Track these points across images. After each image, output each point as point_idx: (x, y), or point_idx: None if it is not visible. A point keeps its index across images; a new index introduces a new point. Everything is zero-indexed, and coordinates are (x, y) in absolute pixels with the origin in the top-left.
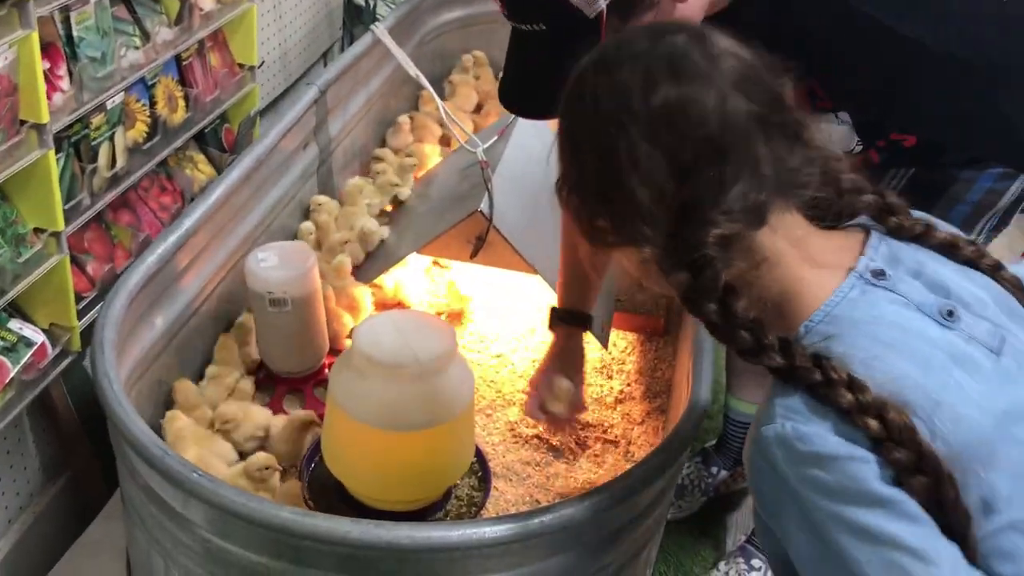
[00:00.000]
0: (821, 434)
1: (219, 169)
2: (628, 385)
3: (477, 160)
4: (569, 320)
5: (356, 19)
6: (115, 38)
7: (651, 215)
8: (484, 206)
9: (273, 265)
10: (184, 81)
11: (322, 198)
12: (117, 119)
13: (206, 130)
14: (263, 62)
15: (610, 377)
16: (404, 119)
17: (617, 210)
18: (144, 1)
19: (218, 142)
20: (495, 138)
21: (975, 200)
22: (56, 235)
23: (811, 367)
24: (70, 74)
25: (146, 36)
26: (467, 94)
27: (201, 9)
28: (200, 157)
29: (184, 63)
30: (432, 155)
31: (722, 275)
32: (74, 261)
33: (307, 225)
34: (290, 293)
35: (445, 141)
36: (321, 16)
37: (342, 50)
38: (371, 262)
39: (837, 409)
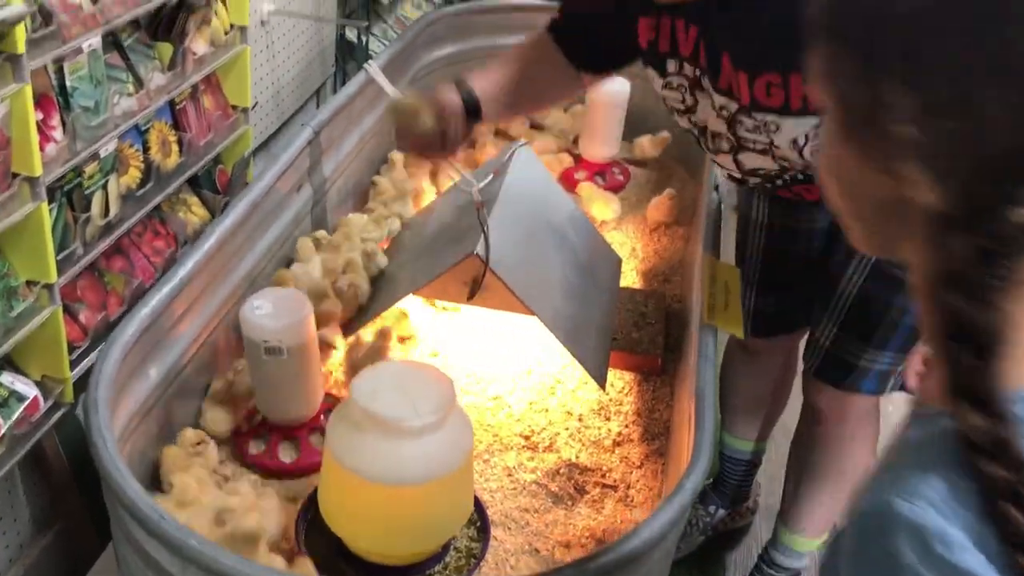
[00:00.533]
0: (967, 547)
1: (213, 211)
2: (626, 427)
3: (472, 199)
4: (462, 92)
5: (348, 56)
6: (108, 86)
7: (984, 147)
8: (480, 248)
9: (268, 313)
10: (178, 125)
11: (321, 233)
12: (110, 166)
13: (199, 172)
14: (256, 103)
15: (608, 419)
16: (398, 155)
17: (940, 124)
18: (137, 47)
19: (212, 184)
20: (490, 177)
21: None
22: (49, 287)
23: (1013, 471)
24: (63, 124)
25: (139, 82)
26: None
27: (195, 53)
28: (194, 200)
29: (178, 107)
30: (428, 191)
31: (1016, 270)
32: (66, 310)
33: (307, 243)
34: (286, 342)
35: (434, 174)
36: (314, 54)
37: (335, 87)
38: (367, 303)
39: (1006, 533)
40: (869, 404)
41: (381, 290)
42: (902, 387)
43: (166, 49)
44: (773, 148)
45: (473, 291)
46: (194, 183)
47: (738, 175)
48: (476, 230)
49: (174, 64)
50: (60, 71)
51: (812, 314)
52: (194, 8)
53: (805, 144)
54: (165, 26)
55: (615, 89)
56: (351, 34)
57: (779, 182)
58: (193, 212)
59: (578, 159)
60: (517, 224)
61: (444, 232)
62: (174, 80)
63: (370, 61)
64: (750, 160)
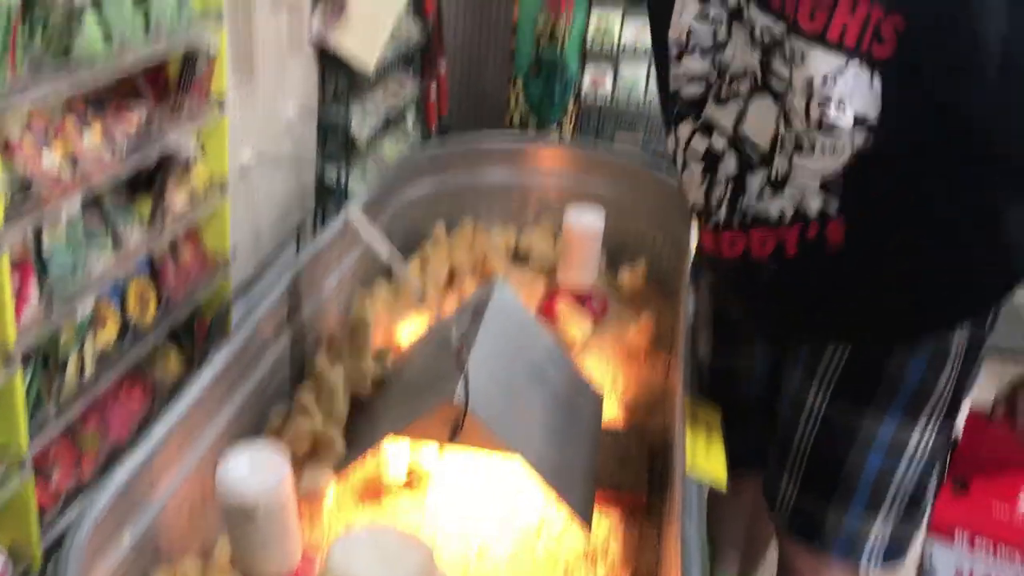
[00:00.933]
0: None
1: (191, 360)
2: (613, 572)
3: (451, 338)
4: None
5: (328, 195)
6: (86, 247)
7: None
8: (459, 393)
9: (244, 474)
10: (156, 279)
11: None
12: (86, 327)
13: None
14: (235, 248)
15: (594, 563)
16: (382, 292)
17: None
18: (116, 206)
19: (190, 335)
20: (467, 318)
21: (912, 389)
22: (20, 458)
23: None
24: (40, 288)
25: (117, 241)
26: (439, 267)
27: (174, 209)
28: (172, 351)
29: (156, 262)
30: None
31: None
32: (38, 473)
33: None
34: (261, 502)
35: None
36: (293, 196)
37: (314, 225)
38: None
39: None
40: (847, 569)
41: (362, 430)
42: (888, 555)
43: (145, 206)
44: (788, 91)
45: (453, 433)
46: (172, 334)
47: (723, 144)
48: (455, 372)
49: (153, 220)
50: (38, 236)
51: (768, 459)
52: (170, 168)
53: (821, 88)
54: (144, 183)
55: (590, 219)
56: (331, 175)
57: (750, 185)
58: (171, 365)
59: (557, 289)
60: (497, 363)
61: (424, 373)
62: (152, 236)
63: (352, 206)
64: (756, 114)
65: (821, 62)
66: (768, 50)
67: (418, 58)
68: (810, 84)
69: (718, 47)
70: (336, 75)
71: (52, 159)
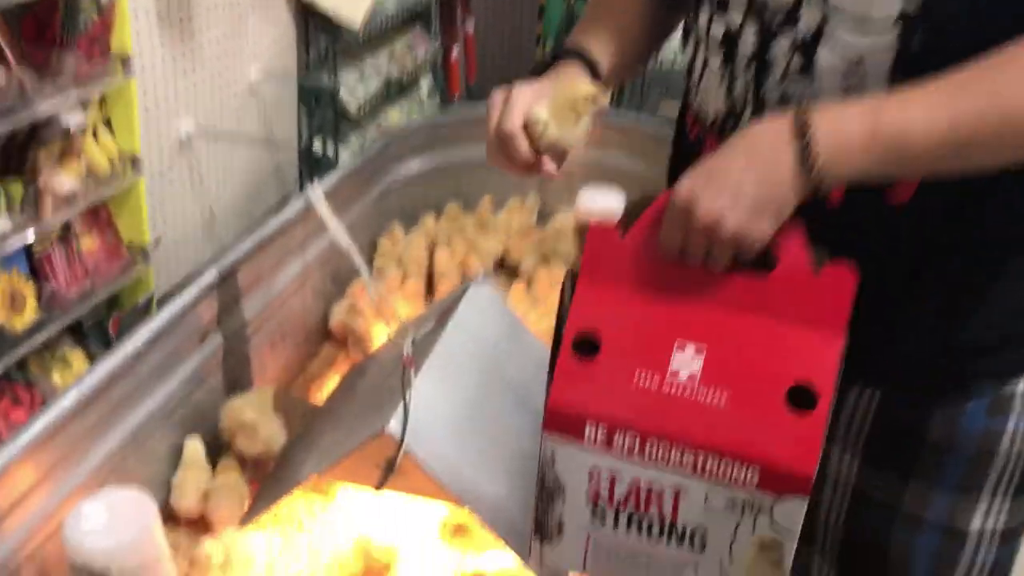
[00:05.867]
0: None
1: None
2: None
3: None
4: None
5: (315, 172)
6: None
7: None
8: (395, 424)
9: (97, 526)
10: (36, 275)
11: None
12: None
13: (86, 323)
14: (159, 238)
15: None
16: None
17: None
18: None
19: (104, 336)
20: (430, 324)
21: (968, 453)
22: None
23: None
24: None
25: None
26: (416, 257)
27: (57, 193)
28: (77, 355)
29: (38, 255)
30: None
31: None
32: None
33: None
34: (116, 565)
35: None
36: (266, 172)
37: None
38: (265, 485)
39: None
40: None
41: (281, 472)
42: None
43: (15, 188)
44: None
45: (384, 478)
46: (78, 336)
47: (739, 17)
48: (398, 396)
49: (24, 206)
50: None
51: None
52: (46, 141)
53: None
54: (16, 161)
55: (607, 202)
56: (318, 146)
57: (774, 60)
58: (73, 373)
59: None
60: (458, 382)
61: (369, 393)
62: (25, 224)
63: (313, 183)
64: None
65: None
66: None
67: (436, 16)
68: None
69: None
70: (320, 36)
71: None
